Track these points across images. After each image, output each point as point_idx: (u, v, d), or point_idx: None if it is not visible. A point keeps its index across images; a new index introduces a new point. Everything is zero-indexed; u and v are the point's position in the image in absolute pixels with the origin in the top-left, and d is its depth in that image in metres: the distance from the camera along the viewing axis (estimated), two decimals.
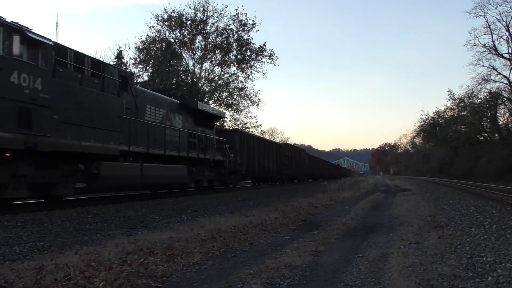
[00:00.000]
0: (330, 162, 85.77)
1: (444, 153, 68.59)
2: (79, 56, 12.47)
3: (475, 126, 54.60)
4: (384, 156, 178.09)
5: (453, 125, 60.48)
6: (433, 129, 68.41)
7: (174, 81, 37.71)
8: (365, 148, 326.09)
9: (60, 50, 11.63)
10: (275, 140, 69.73)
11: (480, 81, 48.92)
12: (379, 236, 8.51)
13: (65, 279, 4.76)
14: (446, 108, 63.67)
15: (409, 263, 5.82)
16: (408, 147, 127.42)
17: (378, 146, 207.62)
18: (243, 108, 47.92)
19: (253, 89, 63.66)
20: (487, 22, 46.60)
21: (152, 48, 42.00)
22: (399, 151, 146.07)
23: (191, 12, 43.65)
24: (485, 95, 51.34)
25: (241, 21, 44.39)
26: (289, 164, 39.68)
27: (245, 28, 44.82)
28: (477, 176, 46.78)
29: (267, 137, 66.68)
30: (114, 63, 34.74)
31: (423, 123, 70.80)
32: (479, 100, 53.19)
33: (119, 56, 35.07)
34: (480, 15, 46.70)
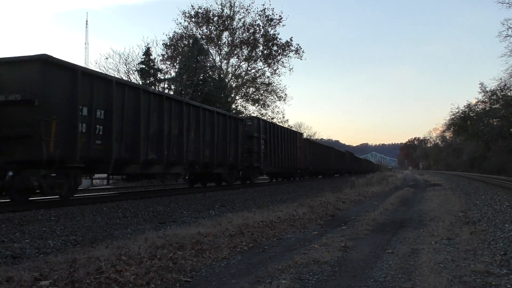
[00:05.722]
0: (356, 156, 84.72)
1: (476, 147, 66.93)
2: None
3: (508, 119, 53.00)
4: (413, 151, 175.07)
5: (485, 119, 58.85)
6: (464, 123, 66.71)
7: (201, 77, 37.94)
8: (393, 143, 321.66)
9: None
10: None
11: None
12: (409, 232, 8.39)
13: (97, 272, 4.86)
14: (478, 101, 61.86)
15: (441, 259, 5.71)
16: (437, 141, 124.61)
17: (407, 140, 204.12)
18: (270, 103, 48.07)
19: (280, 84, 63.80)
20: None
21: (179, 45, 42.39)
22: (429, 145, 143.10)
23: (218, 8, 43.90)
24: None
25: (267, 16, 44.43)
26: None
27: (272, 23, 44.85)
28: (510, 171, 45.50)
29: None
30: (142, 60, 35.18)
31: (453, 116, 68.99)
32: None
33: (147, 53, 35.43)
34: None
